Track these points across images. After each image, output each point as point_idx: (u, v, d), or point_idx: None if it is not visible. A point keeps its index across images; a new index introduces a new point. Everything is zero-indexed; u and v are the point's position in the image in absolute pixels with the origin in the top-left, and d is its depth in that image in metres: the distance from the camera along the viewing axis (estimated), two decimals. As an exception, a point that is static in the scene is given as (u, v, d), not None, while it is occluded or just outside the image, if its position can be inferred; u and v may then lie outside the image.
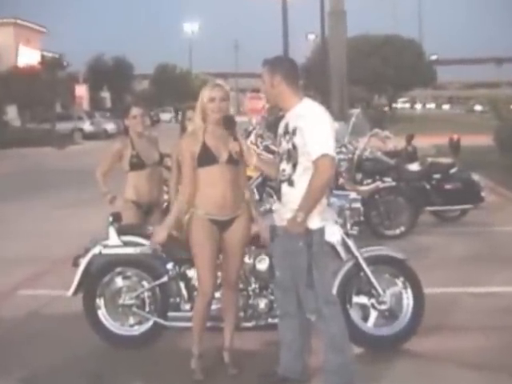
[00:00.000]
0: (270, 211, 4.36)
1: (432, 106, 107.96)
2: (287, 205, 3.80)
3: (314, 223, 3.74)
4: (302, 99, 3.86)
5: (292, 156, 3.76)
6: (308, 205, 3.69)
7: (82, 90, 47.50)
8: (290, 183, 3.78)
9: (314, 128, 3.68)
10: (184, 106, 5.90)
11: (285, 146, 3.82)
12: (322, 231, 3.80)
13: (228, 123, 4.10)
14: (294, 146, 3.74)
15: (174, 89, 63.58)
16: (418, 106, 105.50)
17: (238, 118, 5.07)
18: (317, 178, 3.66)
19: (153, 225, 5.15)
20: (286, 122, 3.86)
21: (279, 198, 3.88)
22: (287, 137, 3.80)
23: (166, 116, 55.35)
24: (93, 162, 6.21)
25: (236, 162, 4.14)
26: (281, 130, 3.91)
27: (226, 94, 4.12)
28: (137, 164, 5.34)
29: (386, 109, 48.74)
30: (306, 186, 3.69)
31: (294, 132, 3.75)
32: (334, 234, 4.18)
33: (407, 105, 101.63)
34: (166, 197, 6.08)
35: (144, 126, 5.48)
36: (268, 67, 3.86)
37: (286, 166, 3.81)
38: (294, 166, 3.76)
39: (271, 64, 3.89)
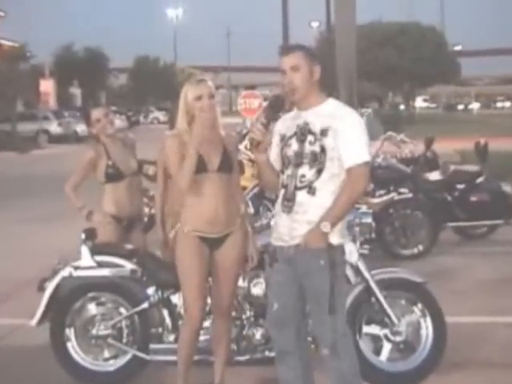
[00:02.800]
0: (267, 227, 4.38)
1: (507, 104, 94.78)
2: (304, 216, 3.73)
3: (335, 238, 3.74)
4: (327, 99, 3.87)
5: (318, 160, 3.73)
6: (336, 215, 3.70)
7: (48, 86, 47.40)
8: (311, 191, 3.74)
9: (352, 131, 3.70)
10: (175, 105, 5.94)
11: (306, 148, 3.75)
12: (342, 249, 3.82)
13: (276, 104, 3.92)
14: (323, 149, 3.72)
15: (156, 85, 63.67)
16: (475, 106, 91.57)
17: (230, 120, 5.10)
18: (351, 188, 3.69)
19: (133, 242, 5.19)
20: (304, 121, 3.80)
21: (289, 210, 3.78)
22: (310, 138, 3.75)
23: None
24: (61, 168, 6.23)
25: (229, 169, 4.17)
26: (289, 130, 3.86)
27: (213, 90, 4.16)
28: (114, 175, 5.31)
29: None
30: (329, 195, 3.70)
31: (323, 133, 3.72)
32: (352, 253, 4.19)
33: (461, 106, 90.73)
34: (146, 210, 6.11)
35: (112, 125, 5.47)
36: (305, 53, 3.82)
37: (306, 171, 3.75)
38: (319, 171, 3.73)
39: (308, 49, 3.87)
